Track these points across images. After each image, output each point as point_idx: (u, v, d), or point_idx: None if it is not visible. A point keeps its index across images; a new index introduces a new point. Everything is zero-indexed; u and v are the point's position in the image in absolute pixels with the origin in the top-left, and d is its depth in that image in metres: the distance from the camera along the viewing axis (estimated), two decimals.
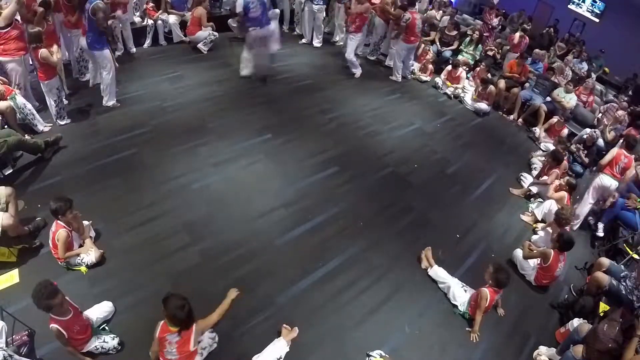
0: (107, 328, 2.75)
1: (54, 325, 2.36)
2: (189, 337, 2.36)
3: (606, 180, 4.50)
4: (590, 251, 4.49)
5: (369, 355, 2.83)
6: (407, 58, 6.99)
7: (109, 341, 2.62)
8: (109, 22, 4.77)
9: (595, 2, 10.61)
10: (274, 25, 5.80)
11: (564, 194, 4.48)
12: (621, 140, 4.86)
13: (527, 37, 7.89)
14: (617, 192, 4.68)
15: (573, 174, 5.39)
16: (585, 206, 4.65)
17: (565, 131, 6.12)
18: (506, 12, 10.11)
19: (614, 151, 4.54)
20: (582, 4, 10.91)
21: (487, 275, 3.18)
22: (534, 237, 4.28)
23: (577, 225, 4.66)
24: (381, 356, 2.80)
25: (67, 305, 2.41)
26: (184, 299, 2.28)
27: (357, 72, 6.82)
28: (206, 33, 6.57)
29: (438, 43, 8.03)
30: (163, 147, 4.44)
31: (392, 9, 6.80)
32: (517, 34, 7.77)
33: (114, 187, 3.86)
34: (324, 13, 7.49)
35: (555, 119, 6.11)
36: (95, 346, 2.59)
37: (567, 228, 4.01)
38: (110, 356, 2.63)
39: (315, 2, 7.14)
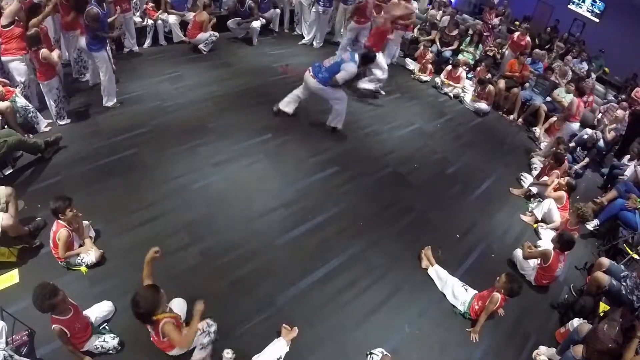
0: (107, 327, 2.75)
1: (56, 326, 2.35)
2: (157, 332, 2.39)
3: (572, 126, 5.96)
4: (591, 251, 4.49)
5: (371, 353, 2.83)
6: (362, 37, 6.97)
7: (109, 341, 2.62)
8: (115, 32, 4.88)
9: (595, 2, 10.60)
10: None
11: (562, 193, 4.48)
12: (575, 90, 6.20)
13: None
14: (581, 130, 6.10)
15: (574, 174, 5.38)
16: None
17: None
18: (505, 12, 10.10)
19: (575, 102, 5.88)
20: (582, 4, 10.90)
21: (499, 283, 3.15)
22: (540, 242, 4.24)
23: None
24: (383, 354, 2.79)
25: (68, 303, 2.41)
26: (137, 295, 2.25)
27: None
28: (207, 35, 6.58)
29: (438, 43, 8.03)
30: (163, 147, 4.44)
31: None
32: (527, 38, 7.74)
33: (114, 187, 3.86)
34: (329, 15, 7.48)
35: (554, 118, 6.13)
36: (95, 345, 2.59)
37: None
38: (110, 356, 2.63)
39: (321, 4, 7.13)
